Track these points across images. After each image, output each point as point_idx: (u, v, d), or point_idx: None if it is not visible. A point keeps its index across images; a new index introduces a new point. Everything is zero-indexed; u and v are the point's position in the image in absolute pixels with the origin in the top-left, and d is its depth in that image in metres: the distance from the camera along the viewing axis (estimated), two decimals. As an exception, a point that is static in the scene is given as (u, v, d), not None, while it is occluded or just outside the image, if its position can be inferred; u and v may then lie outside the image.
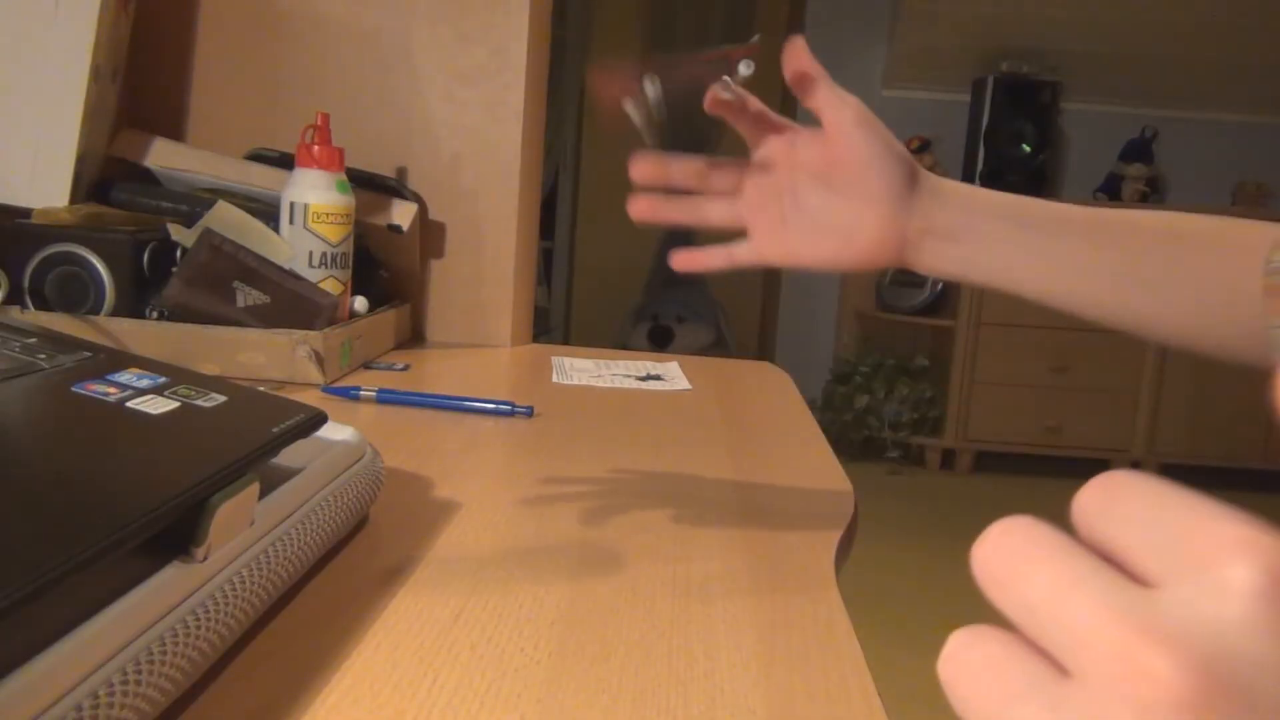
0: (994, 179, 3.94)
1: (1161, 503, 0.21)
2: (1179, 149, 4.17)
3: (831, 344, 4.38)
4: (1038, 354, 3.87)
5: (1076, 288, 0.61)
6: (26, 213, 0.98)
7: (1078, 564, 0.21)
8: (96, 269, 0.94)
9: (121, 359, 0.51)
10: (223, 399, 0.48)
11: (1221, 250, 0.60)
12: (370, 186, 1.14)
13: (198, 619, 0.37)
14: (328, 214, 1.02)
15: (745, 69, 0.59)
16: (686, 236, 4.93)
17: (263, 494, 0.44)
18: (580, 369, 1.11)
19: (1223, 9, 3.70)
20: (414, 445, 0.76)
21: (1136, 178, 4.01)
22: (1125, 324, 0.61)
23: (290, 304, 0.96)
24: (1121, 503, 0.21)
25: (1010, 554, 0.22)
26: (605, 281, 5.03)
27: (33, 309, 0.93)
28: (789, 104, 4.50)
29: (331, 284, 1.03)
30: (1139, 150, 4.07)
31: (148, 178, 1.12)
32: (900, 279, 4.11)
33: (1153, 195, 4.02)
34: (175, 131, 1.20)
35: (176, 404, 0.46)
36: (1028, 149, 3.96)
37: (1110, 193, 4.06)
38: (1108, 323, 0.62)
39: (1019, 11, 3.83)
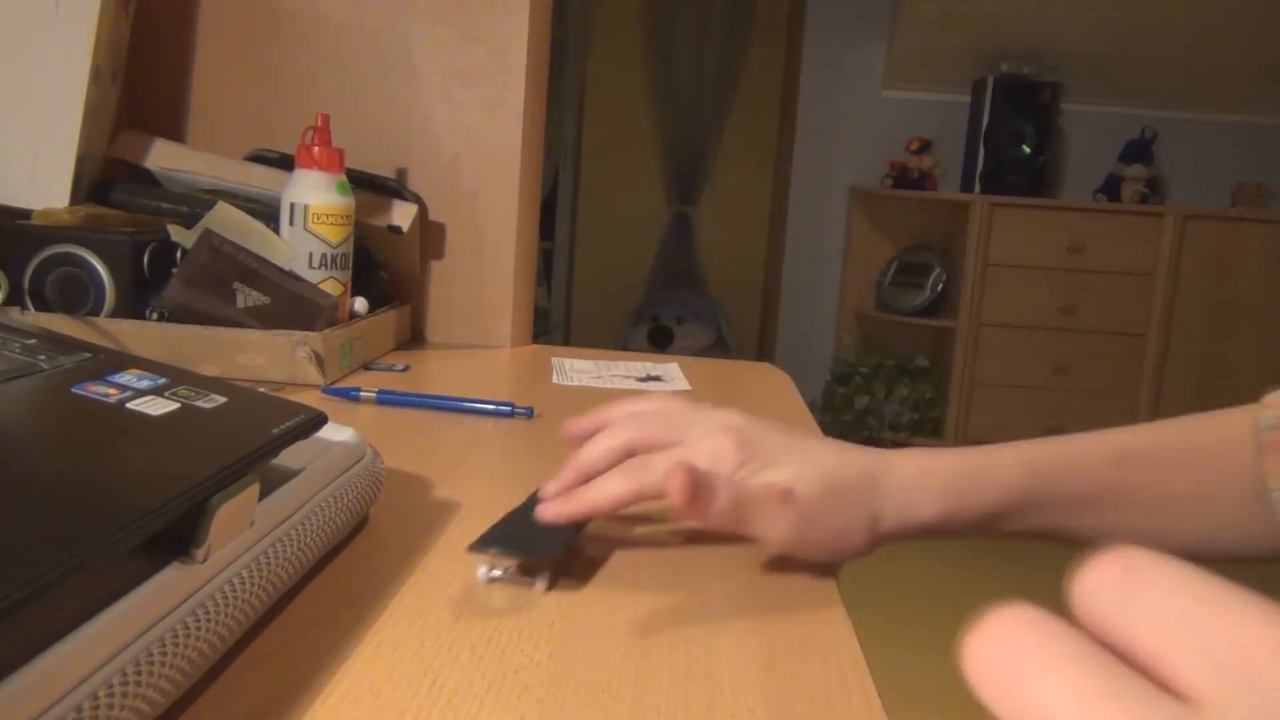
0: (994, 180, 3.95)
1: (1193, 595, 0.18)
2: (1179, 149, 4.17)
3: (831, 345, 4.38)
4: (1038, 355, 3.87)
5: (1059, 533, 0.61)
6: (26, 214, 0.98)
7: (1099, 670, 0.17)
8: (96, 270, 0.94)
9: (121, 360, 0.51)
10: (223, 400, 0.48)
11: (1209, 465, 0.60)
12: (370, 187, 1.14)
13: (198, 620, 0.37)
14: (328, 215, 1.02)
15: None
16: (684, 241, 4.93)
17: (263, 495, 0.44)
18: (580, 370, 1.11)
19: (1222, 10, 3.71)
20: (414, 446, 0.76)
21: (1136, 178, 4.01)
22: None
23: (290, 305, 0.96)
24: (1143, 591, 0.18)
25: (1013, 653, 0.18)
26: (605, 282, 5.03)
27: (33, 310, 0.93)
28: (788, 102, 4.50)
29: (331, 285, 1.03)
30: (1139, 151, 4.07)
31: (148, 179, 1.12)
32: (900, 280, 4.11)
33: (1153, 196, 4.02)
34: (175, 132, 1.20)
35: (176, 405, 0.46)
36: (1028, 150, 3.96)
37: (1110, 193, 4.06)
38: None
39: (1019, 12, 3.83)
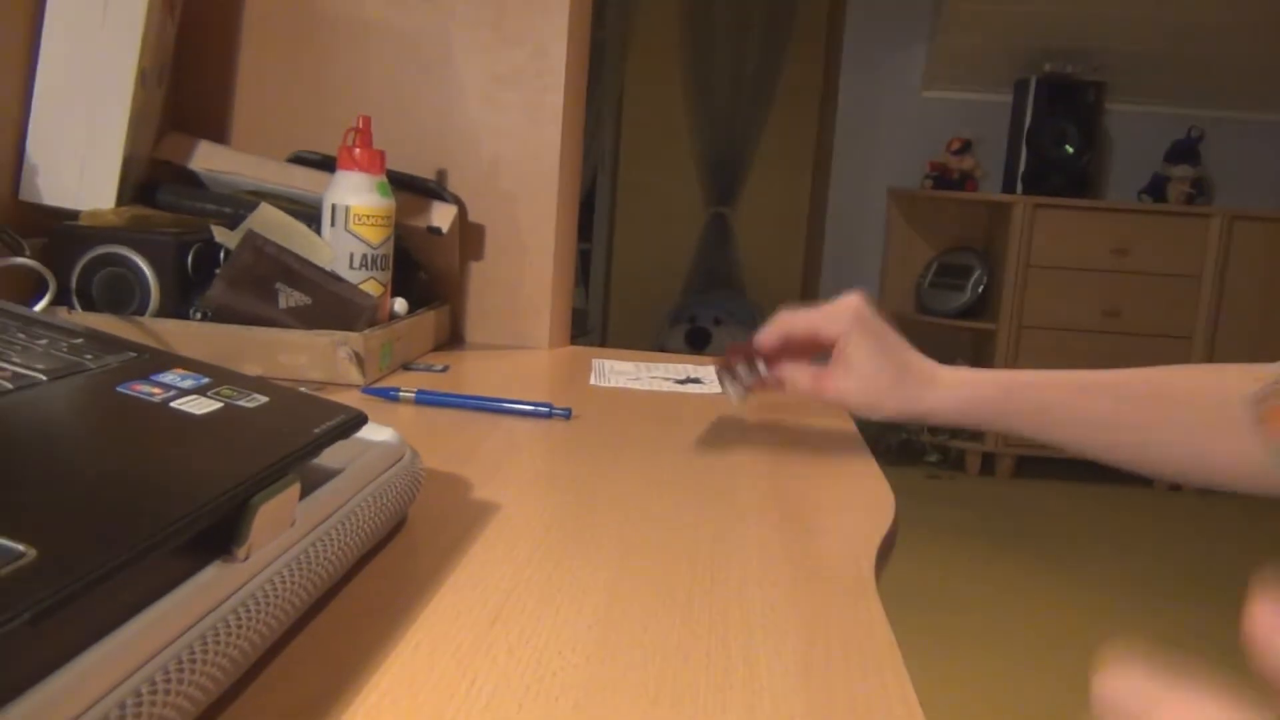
0: (1036, 180, 3.90)
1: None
2: (1226, 150, 4.10)
3: (870, 347, 4.34)
4: (1080, 358, 3.82)
5: (1068, 442, 0.77)
6: (74, 215, 0.99)
7: None
8: (142, 270, 0.95)
9: (166, 359, 0.51)
10: (264, 400, 0.49)
11: (1199, 404, 0.72)
12: (410, 189, 1.14)
13: (239, 619, 0.37)
14: (369, 216, 1.02)
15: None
16: (722, 242, 4.92)
17: (303, 494, 0.44)
18: (619, 371, 1.11)
19: (1271, 8, 3.64)
20: (452, 446, 0.76)
21: (1182, 179, 3.95)
22: (1115, 464, 0.77)
23: (331, 305, 0.97)
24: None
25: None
26: (642, 283, 5.03)
27: (79, 309, 0.94)
28: (828, 103, 4.48)
29: (372, 285, 1.03)
30: (1185, 151, 4.00)
31: (192, 180, 1.13)
32: (940, 281, 4.07)
33: (1199, 197, 3.96)
34: (219, 135, 1.22)
35: (219, 404, 0.46)
36: (1071, 150, 3.91)
37: (1155, 195, 4.00)
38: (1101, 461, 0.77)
39: (1062, 11, 3.79)
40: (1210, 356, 3.78)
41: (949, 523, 3.35)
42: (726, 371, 0.81)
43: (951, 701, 2.19)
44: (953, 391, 0.78)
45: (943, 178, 4.07)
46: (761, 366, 0.80)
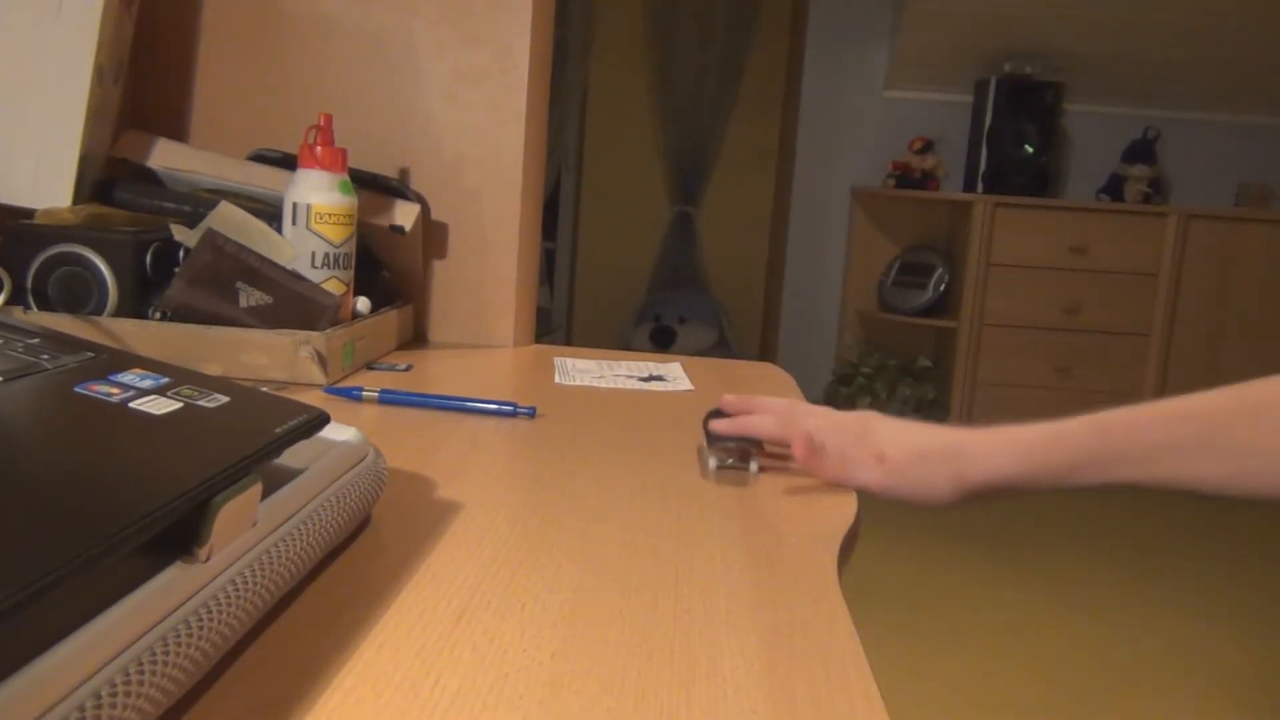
0: (996, 180, 3.95)
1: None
2: (1182, 150, 4.17)
3: (834, 345, 4.38)
4: (1040, 356, 3.87)
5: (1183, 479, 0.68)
6: (30, 213, 0.98)
7: None
8: (99, 269, 0.94)
9: (124, 359, 0.51)
10: (225, 399, 0.48)
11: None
12: (373, 187, 1.14)
13: (200, 620, 0.37)
14: (330, 215, 1.02)
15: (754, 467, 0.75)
16: (686, 241, 4.93)
17: (265, 494, 0.44)
18: (583, 370, 1.11)
19: (1226, 10, 3.70)
20: (416, 446, 0.76)
21: (1139, 179, 4.01)
22: (1200, 492, 0.69)
23: (293, 305, 0.96)
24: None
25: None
26: (607, 282, 5.03)
27: (35, 309, 0.93)
28: (790, 102, 4.50)
29: (334, 285, 1.03)
30: (1142, 151, 4.07)
31: (150, 178, 1.12)
32: (902, 280, 4.11)
33: (1155, 196, 4.02)
34: (178, 132, 1.20)
35: (179, 404, 0.46)
36: (1030, 150, 3.96)
37: (1113, 194, 4.06)
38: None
39: (1022, 12, 3.83)
40: (1167, 352, 3.84)
41: (920, 519, 3.38)
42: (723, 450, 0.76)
43: (919, 694, 2.21)
44: (1007, 445, 0.71)
45: (905, 177, 4.10)
46: (754, 465, 0.75)
